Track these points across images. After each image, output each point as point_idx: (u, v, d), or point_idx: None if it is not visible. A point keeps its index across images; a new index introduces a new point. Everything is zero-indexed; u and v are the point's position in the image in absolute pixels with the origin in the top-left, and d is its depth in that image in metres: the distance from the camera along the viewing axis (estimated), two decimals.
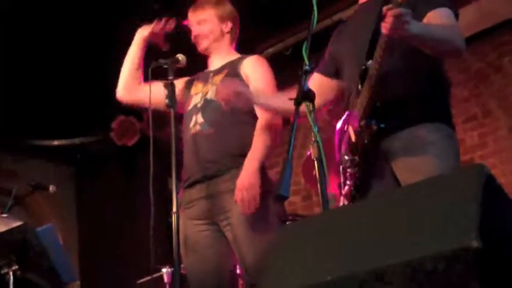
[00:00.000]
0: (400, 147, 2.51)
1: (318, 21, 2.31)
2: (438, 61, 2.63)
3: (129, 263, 6.06)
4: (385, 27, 2.29)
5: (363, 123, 2.52)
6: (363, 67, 2.51)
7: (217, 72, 3.21)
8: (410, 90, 2.55)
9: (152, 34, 3.29)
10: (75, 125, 6.73)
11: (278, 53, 6.07)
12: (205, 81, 3.21)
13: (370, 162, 2.57)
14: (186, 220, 3.02)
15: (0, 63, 5.49)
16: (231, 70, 3.15)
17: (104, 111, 6.39)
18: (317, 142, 2.20)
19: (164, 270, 4.06)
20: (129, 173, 6.87)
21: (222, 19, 3.28)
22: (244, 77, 3.11)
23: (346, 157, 2.63)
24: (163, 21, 3.29)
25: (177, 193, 2.79)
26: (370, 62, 2.46)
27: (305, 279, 1.67)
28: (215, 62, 3.29)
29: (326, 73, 2.86)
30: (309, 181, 4.19)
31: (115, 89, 3.32)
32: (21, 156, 6.93)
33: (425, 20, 2.50)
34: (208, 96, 3.10)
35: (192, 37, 3.28)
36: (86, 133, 7.02)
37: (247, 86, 2.99)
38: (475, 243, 1.37)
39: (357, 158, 2.59)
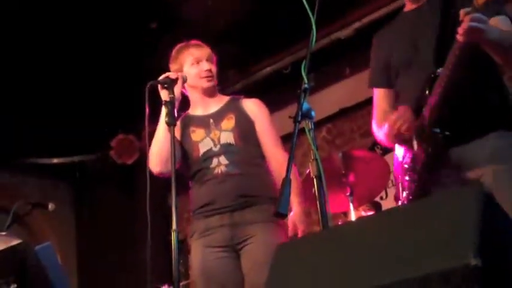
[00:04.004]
0: (485, 156, 2.43)
1: (316, 40, 2.33)
2: (502, 69, 2.58)
3: (128, 281, 6.03)
4: (461, 32, 2.24)
5: (426, 131, 2.48)
6: (432, 75, 2.45)
7: (219, 117, 3.22)
8: (479, 99, 2.49)
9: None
10: (75, 144, 6.73)
11: (277, 71, 6.09)
12: (206, 126, 3.20)
13: (433, 170, 2.51)
14: (203, 248, 3.07)
15: None
16: (238, 114, 3.21)
17: (103, 129, 6.39)
18: (316, 160, 2.20)
19: None
20: (128, 191, 6.86)
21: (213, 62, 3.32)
22: (252, 117, 3.22)
23: (406, 166, 2.60)
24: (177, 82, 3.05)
25: (177, 210, 2.77)
26: (440, 69, 2.41)
27: None
28: (207, 105, 3.28)
29: (390, 85, 2.78)
30: (307, 199, 4.18)
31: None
32: (20, 175, 6.93)
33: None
34: (224, 141, 3.15)
35: (199, 73, 3.22)
36: (85, 151, 7.02)
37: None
38: (474, 261, 1.37)
39: (417, 166, 2.54)
